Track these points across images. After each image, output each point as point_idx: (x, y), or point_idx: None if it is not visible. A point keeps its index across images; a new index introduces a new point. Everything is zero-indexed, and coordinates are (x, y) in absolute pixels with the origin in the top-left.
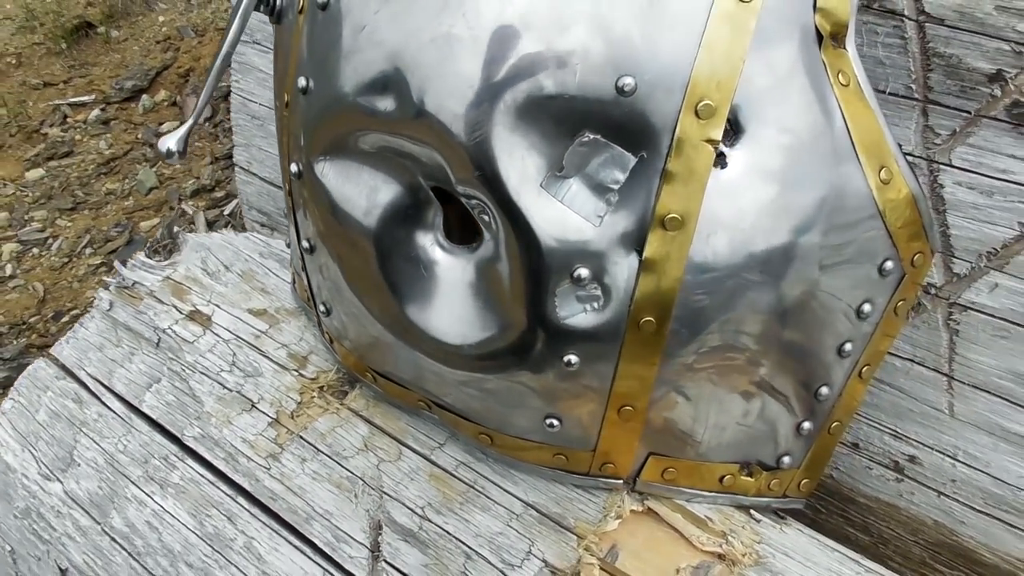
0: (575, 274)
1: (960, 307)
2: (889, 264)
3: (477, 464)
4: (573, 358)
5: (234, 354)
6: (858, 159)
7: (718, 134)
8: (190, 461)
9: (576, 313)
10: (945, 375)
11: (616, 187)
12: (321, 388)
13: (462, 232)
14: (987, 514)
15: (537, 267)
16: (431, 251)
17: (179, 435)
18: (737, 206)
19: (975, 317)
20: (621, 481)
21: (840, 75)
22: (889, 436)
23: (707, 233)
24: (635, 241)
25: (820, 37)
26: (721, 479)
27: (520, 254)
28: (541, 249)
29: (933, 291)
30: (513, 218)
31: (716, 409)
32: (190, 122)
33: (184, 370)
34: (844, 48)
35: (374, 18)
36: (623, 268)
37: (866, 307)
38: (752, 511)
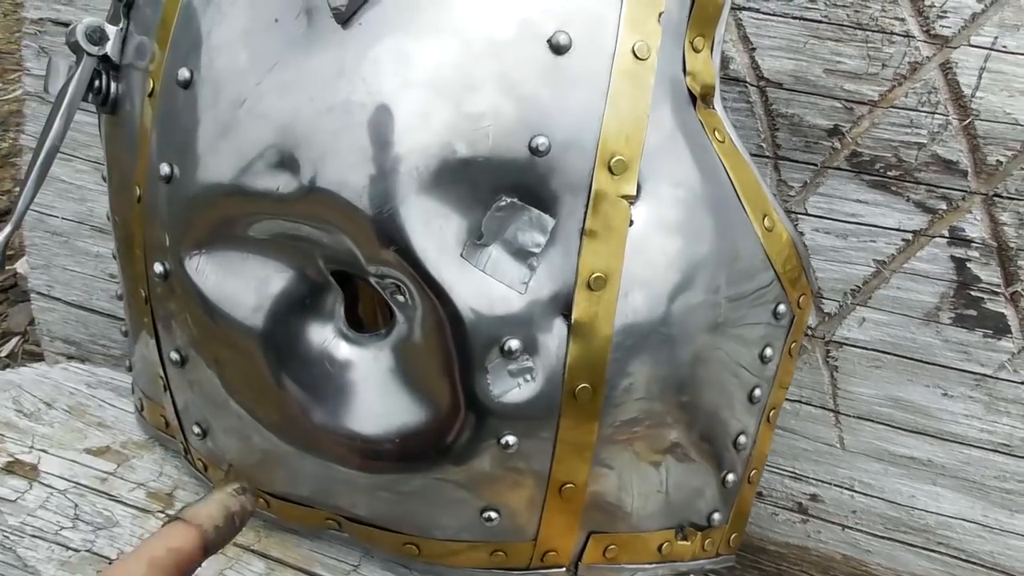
0: (505, 347)
1: (836, 344)
2: (782, 308)
3: None
4: (510, 439)
5: (76, 505)
6: (744, 209)
7: (632, 189)
8: None
9: (510, 388)
10: (832, 411)
11: (538, 251)
12: None
13: (361, 318)
14: (888, 538)
15: (464, 343)
16: (333, 344)
17: None
18: (647, 261)
19: (850, 351)
20: (563, 570)
21: (716, 132)
22: (789, 479)
23: (625, 291)
24: (561, 305)
25: (693, 98)
26: (659, 548)
27: (444, 332)
28: (468, 324)
29: (809, 332)
30: (436, 293)
31: (643, 475)
32: (8, 229)
33: (7, 537)
34: (713, 108)
35: (256, 90)
36: (553, 335)
37: (768, 351)
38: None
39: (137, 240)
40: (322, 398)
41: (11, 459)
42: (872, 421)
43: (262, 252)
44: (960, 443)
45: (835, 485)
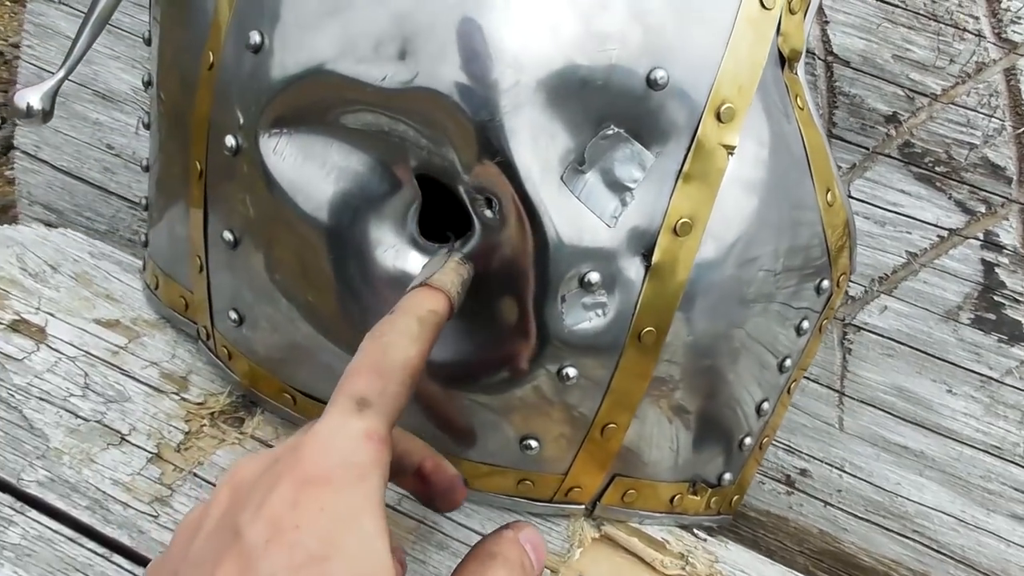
0: (585, 279)
1: (854, 327)
2: (825, 283)
3: None
4: (571, 371)
5: (86, 374)
6: (812, 180)
7: (735, 139)
8: (34, 513)
9: (582, 321)
10: (837, 391)
11: (634, 186)
12: (212, 414)
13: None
14: (867, 520)
15: (546, 269)
16: (403, 248)
17: (14, 481)
18: (723, 215)
19: (866, 337)
20: (582, 507)
21: (797, 99)
22: (783, 451)
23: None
24: (644, 245)
25: (781, 59)
26: (671, 499)
27: (527, 254)
28: (554, 249)
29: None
30: (530, 213)
31: (671, 428)
32: (60, 74)
33: (12, 395)
34: (796, 74)
35: None
36: (631, 274)
37: (804, 324)
38: (694, 529)
39: (198, 110)
40: (383, 301)
41: (17, 317)
42: (874, 407)
43: (349, 141)
44: (954, 439)
45: (826, 463)
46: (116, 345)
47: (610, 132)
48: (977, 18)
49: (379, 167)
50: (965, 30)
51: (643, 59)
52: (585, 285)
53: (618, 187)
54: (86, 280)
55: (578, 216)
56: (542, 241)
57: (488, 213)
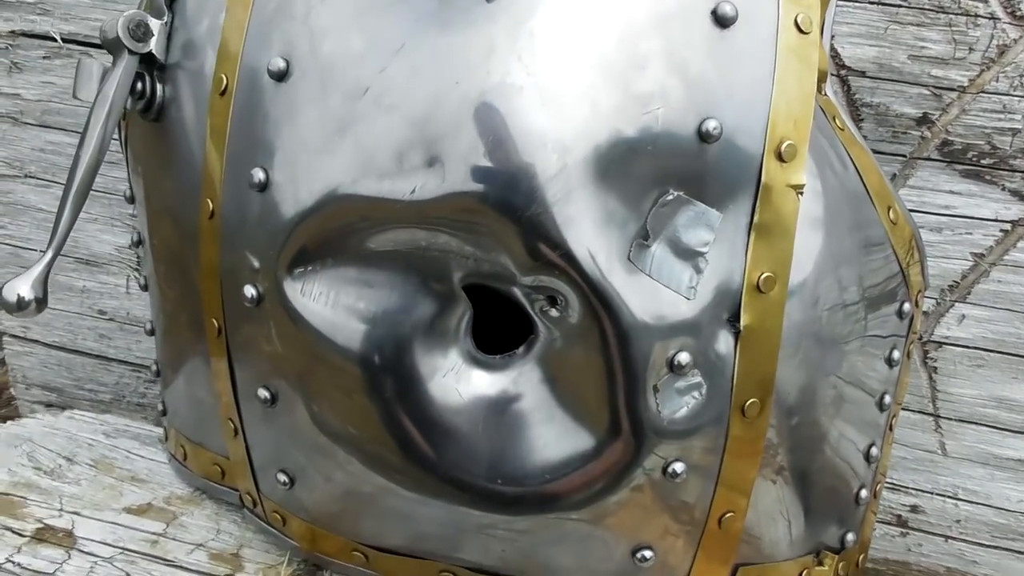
0: (675, 361)
1: (934, 344)
2: (907, 306)
3: None
4: (678, 466)
5: (127, 574)
6: (872, 201)
7: (802, 177)
8: None
9: (680, 408)
10: (931, 415)
11: (705, 250)
12: None
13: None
14: (996, 547)
15: (631, 359)
16: (463, 369)
17: None
18: (796, 259)
19: (950, 351)
20: None
21: (835, 119)
22: (888, 490)
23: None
24: (728, 310)
25: None
26: None
27: (608, 346)
28: (636, 338)
29: None
30: (603, 303)
31: (785, 498)
32: (49, 256)
33: None
34: (827, 95)
35: (380, 77)
36: (720, 345)
37: (895, 353)
38: None
39: (205, 263)
40: (454, 438)
41: (40, 525)
42: (975, 424)
43: (384, 266)
44: None
45: (937, 494)
46: (154, 533)
47: (670, 197)
48: (986, 1)
49: (422, 287)
50: (977, 15)
51: (690, 113)
52: (676, 368)
53: (689, 254)
54: (107, 465)
55: (654, 294)
56: (620, 330)
57: (554, 312)
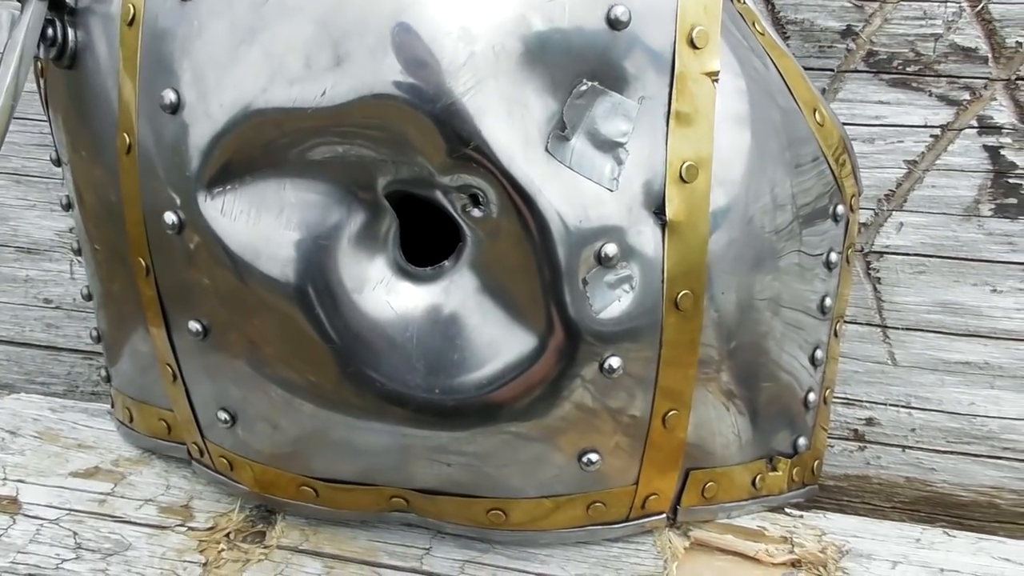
0: (602, 253)
1: (876, 254)
2: (840, 208)
3: (486, 556)
4: (614, 361)
5: (75, 534)
6: (797, 103)
7: (716, 64)
8: None
9: (611, 302)
10: (879, 326)
11: (624, 140)
12: (227, 536)
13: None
14: (952, 452)
15: (556, 253)
16: (392, 282)
17: None
18: (722, 157)
19: (892, 260)
20: (664, 516)
21: (755, 24)
22: (842, 405)
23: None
24: (653, 201)
25: None
26: (753, 482)
27: (533, 241)
28: (559, 229)
29: None
30: (522, 196)
31: (740, 395)
32: None
33: None
34: (746, 3)
35: None
36: (648, 236)
37: (832, 256)
38: (787, 509)
39: (127, 201)
40: (388, 351)
41: None
42: (922, 330)
43: (304, 175)
44: (1015, 339)
45: (891, 405)
46: (101, 493)
47: (584, 88)
48: None
49: (343, 196)
50: None
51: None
52: (604, 261)
53: (609, 145)
54: (52, 436)
55: (576, 187)
56: (543, 224)
57: (476, 212)
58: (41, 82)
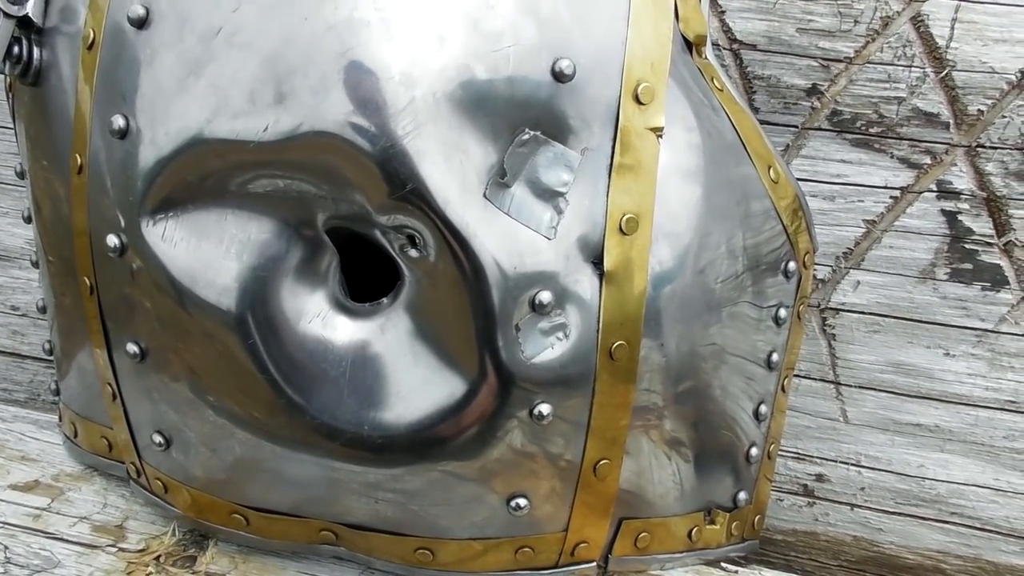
0: (536, 300)
1: (832, 311)
2: (791, 265)
3: None
4: (544, 408)
5: (5, 548)
6: (751, 160)
7: (661, 120)
8: None
9: (543, 349)
10: (832, 382)
11: (565, 190)
12: (157, 559)
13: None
14: (899, 513)
15: (490, 298)
16: (330, 317)
17: None
18: (669, 210)
19: (847, 317)
20: (594, 564)
21: (714, 80)
22: (792, 460)
23: (654, 239)
24: (591, 252)
25: (688, 46)
26: (689, 534)
27: (468, 285)
28: (494, 275)
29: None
30: (458, 240)
31: (667, 453)
32: None
33: None
34: (706, 58)
35: (233, 16)
36: (584, 286)
37: (782, 312)
38: (723, 564)
39: (76, 220)
40: (321, 383)
41: None
42: (874, 389)
43: (245, 207)
44: (966, 404)
45: (841, 462)
46: (37, 508)
47: (526, 137)
48: None
49: (284, 229)
50: None
51: (543, 52)
52: (537, 308)
53: (549, 194)
54: None
55: (513, 234)
56: (478, 268)
57: (413, 252)
58: (9, 95)
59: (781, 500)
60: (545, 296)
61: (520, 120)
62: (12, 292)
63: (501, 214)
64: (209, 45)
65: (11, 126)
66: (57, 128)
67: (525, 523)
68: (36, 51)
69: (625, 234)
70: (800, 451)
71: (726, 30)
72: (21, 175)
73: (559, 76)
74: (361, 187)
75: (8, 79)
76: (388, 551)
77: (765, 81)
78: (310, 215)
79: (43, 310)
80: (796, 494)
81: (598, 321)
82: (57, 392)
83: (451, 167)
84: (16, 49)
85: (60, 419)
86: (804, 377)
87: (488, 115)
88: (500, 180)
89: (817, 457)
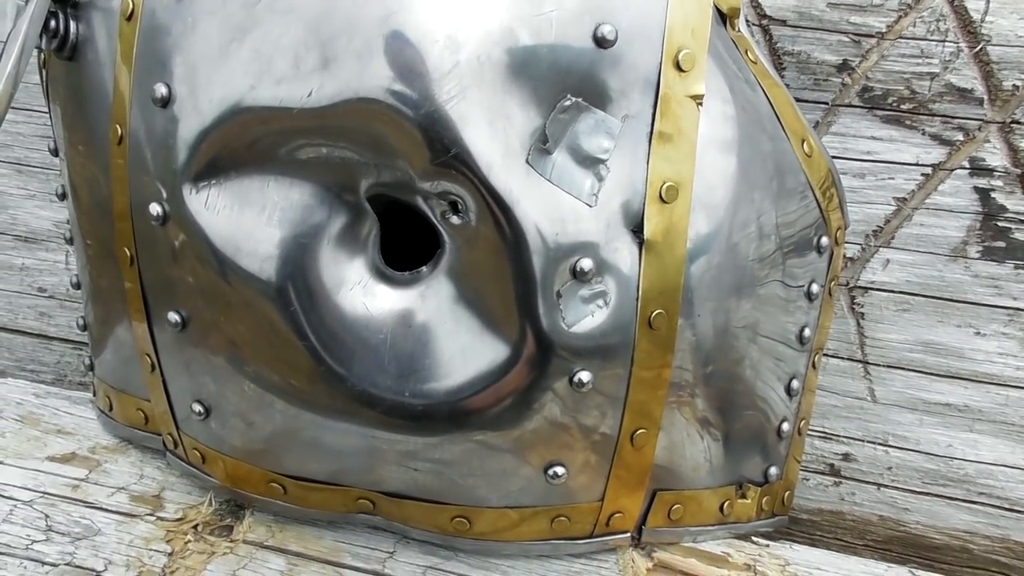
0: (577, 268)
1: (861, 289)
2: (824, 240)
3: (448, 563)
4: (584, 375)
5: (46, 516)
6: (785, 132)
7: (701, 88)
8: None
9: (584, 316)
10: (860, 361)
11: (606, 157)
12: (195, 527)
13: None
14: (927, 493)
15: (532, 265)
16: (369, 285)
17: None
18: (706, 180)
19: (876, 296)
20: (628, 535)
21: (748, 53)
22: (819, 439)
23: (692, 208)
24: (631, 219)
25: (722, 16)
26: (721, 507)
27: (508, 252)
28: (536, 242)
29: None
30: (501, 207)
31: (713, 420)
32: None
33: None
34: (740, 32)
35: None
36: (624, 254)
37: (814, 287)
38: (753, 538)
39: (116, 190)
40: (361, 351)
41: None
42: (903, 369)
43: (288, 174)
44: (996, 384)
45: (868, 441)
46: (75, 479)
47: (568, 103)
48: None
49: (326, 196)
50: None
51: (586, 17)
52: (579, 275)
53: (590, 161)
54: (33, 420)
55: (555, 201)
56: (520, 235)
57: (455, 219)
58: (43, 73)
59: (807, 479)
60: (586, 263)
61: (562, 85)
62: (40, 274)
63: (543, 180)
64: (252, 11)
65: (35, 108)
66: (95, 102)
67: (561, 492)
68: (72, 25)
69: (665, 202)
70: (827, 430)
71: (755, 5)
72: (55, 152)
73: (601, 41)
74: (404, 153)
75: (43, 56)
76: (425, 520)
77: (795, 57)
78: (352, 182)
79: (77, 286)
80: (823, 473)
81: (637, 289)
82: (91, 367)
83: (495, 133)
84: (52, 23)
85: (94, 394)
86: (832, 356)
87: (531, 80)
88: (543, 146)
89: (844, 436)
